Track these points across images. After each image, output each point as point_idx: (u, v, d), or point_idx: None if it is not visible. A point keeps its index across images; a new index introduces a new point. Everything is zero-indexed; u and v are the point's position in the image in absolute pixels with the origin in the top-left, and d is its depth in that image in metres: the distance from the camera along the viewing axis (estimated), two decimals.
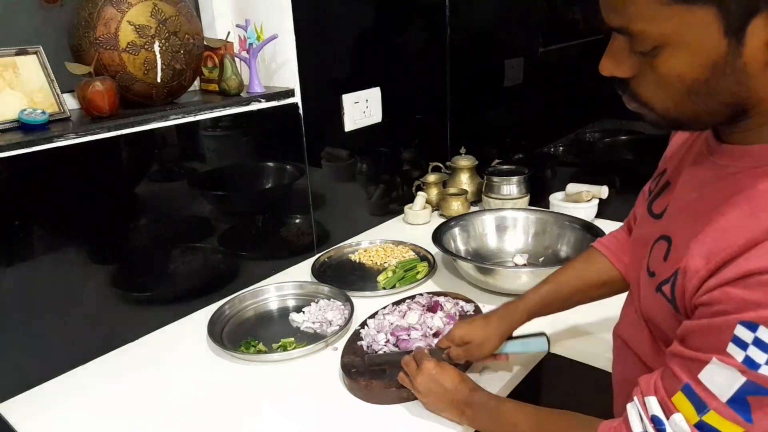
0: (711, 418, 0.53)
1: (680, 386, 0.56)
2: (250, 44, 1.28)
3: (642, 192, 0.85)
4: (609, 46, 0.57)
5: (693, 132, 0.69)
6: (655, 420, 0.58)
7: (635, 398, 0.61)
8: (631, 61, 0.56)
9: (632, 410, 0.61)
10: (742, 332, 0.50)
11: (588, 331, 1.11)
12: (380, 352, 1.04)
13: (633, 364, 0.73)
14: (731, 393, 0.52)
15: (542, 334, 0.98)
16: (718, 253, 0.53)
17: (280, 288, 1.31)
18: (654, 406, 0.58)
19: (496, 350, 0.96)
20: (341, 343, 1.09)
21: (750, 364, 0.50)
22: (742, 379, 0.51)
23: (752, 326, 0.49)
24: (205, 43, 1.20)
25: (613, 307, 1.14)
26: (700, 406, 0.54)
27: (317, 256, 1.48)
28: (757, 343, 0.49)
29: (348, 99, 1.49)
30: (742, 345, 0.50)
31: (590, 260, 0.94)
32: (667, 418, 0.57)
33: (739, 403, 0.51)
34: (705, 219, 0.57)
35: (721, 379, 0.52)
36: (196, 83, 1.36)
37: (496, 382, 0.97)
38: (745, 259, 0.51)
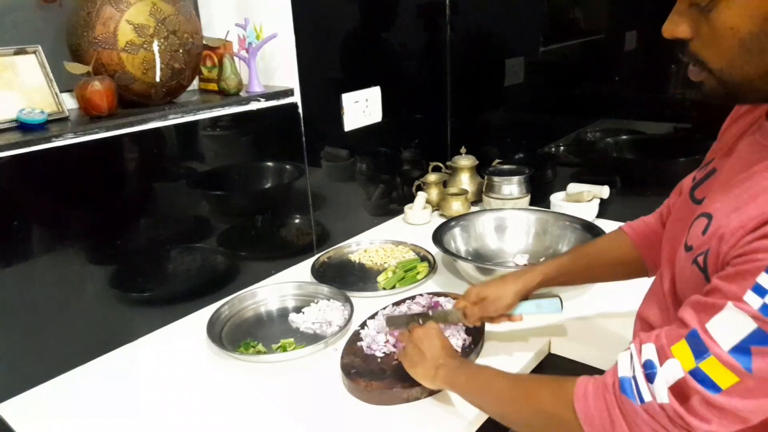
0: (708, 364, 0.54)
1: (686, 333, 0.56)
2: (250, 43, 1.27)
3: (679, 185, 0.86)
4: (672, 11, 0.60)
5: (748, 105, 0.70)
6: (646, 364, 0.59)
7: (631, 346, 0.62)
8: (690, 20, 0.58)
9: (624, 355, 0.62)
10: (764, 279, 0.51)
11: (588, 331, 1.10)
12: (381, 351, 1.04)
13: None
14: (736, 341, 0.53)
15: (556, 296, 0.99)
16: (756, 217, 0.54)
17: (279, 288, 1.31)
18: (650, 351, 0.59)
19: (511, 309, 0.97)
20: (341, 344, 1.09)
21: (766, 311, 0.51)
22: (752, 327, 0.52)
23: None
24: (204, 42, 1.19)
25: (613, 306, 1.14)
26: (700, 352, 0.55)
27: (317, 256, 1.48)
28: None
29: (348, 98, 1.49)
30: (762, 292, 0.51)
31: (615, 239, 0.96)
32: (661, 364, 0.57)
33: (742, 351, 0.52)
34: (749, 196, 0.58)
35: (729, 326, 0.53)
36: (195, 83, 1.36)
37: None
38: None
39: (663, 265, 0.75)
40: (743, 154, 0.65)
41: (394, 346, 1.05)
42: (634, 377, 0.59)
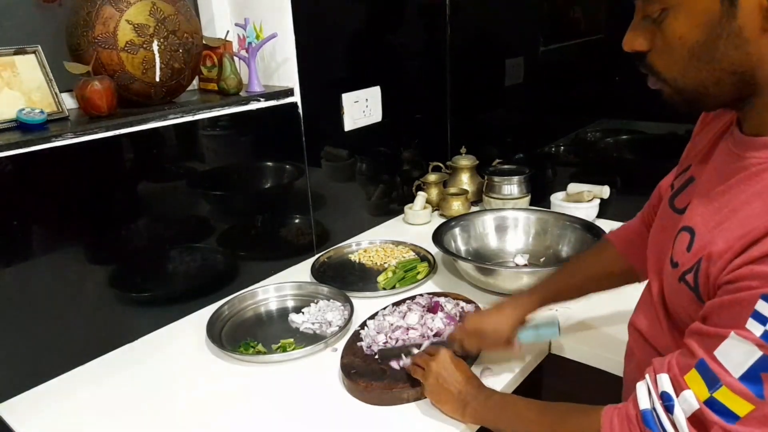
0: (722, 394, 0.54)
1: (695, 363, 0.56)
2: (249, 43, 1.27)
3: (658, 186, 0.86)
4: (630, 25, 0.61)
5: (708, 111, 0.71)
6: (664, 396, 0.59)
7: (647, 376, 0.62)
8: (646, 32, 0.60)
9: (641, 387, 0.62)
10: (762, 307, 0.51)
11: (588, 331, 1.10)
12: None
13: (649, 357, 0.73)
14: (745, 368, 0.52)
15: (553, 322, 0.99)
16: (744, 236, 0.54)
17: (279, 288, 1.31)
18: (665, 383, 0.59)
19: (509, 339, 0.97)
20: (341, 344, 1.09)
21: None
22: (758, 354, 0.51)
23: None
24: (204, 42, 1.19)
25: (613, 307, 1.14)
26: (712, 382, 0.55)
27: (317, 256, 1.48)
28: None
29: (348, 98, 1.49)
30: (762, 319, 0.51)
31: (602, 252, 0.97)
32: (677, 395, 0.57)
33: (752, 379, 0.52)
34: (729, 210, 0.58)
35: (736, 355, 0.53)
36: (195, 82, 1.36)
37: (497, 383, 0.97)
38: None
39: (650, 276, 0.75)
40: (719, 163, 0.66)
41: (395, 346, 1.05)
42: (654, 409, 0.60)
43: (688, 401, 0.56)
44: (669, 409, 0.58)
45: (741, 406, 0.53)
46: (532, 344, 1.03)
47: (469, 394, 0.87)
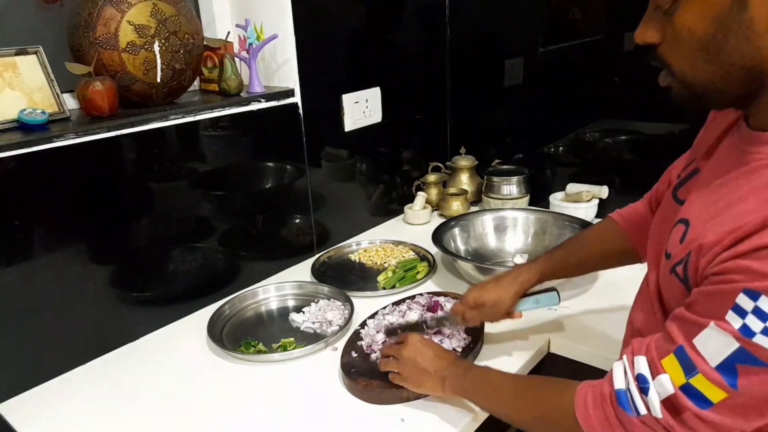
0: (697, 381, 0.55)
1: (673, 348, 0.57)
2: (250, 44, 1.28)
3: (668, 170, 0.86)
4: (643, 18, 0.61)
5: (716, 109, 0.71)
6: (639, 378, 0.60)
7: (624, 356, 0.63)
8: (658, 24, 0.59)
9: (618, 367, 0.63)
10: (743, 300, 0.52)
11: (588, 331, 1.11)
12: (379, 352, 1.04)
13: None
14: (721, 359, 0.54)
15: (553, 289, 1.01)
16: (734, 231, 0.54)
17: (279, 288, 1.31)
18: (642, 365, 0.60)
19: (510, 310, 0.99)
20: (341, 344, 1.09)
21: (746, 332, 0.52)
22: (735, 346, 0.53)
23: (754, 295, 0.51)
24: (204, 42, 1.19)
25: (613, 306, 1.15)
26: (689, 369, 0.56)
27: (317, 256, 1.48)
28: (757, 312, 0.51)
29: (348, 99, 1.49)
30: (742, 313, 0.52)
31: (605, 230, 0.97)
32: (653, 378, 0.58)
33: (728, 369, 0.53)
34: (725, 204, 0.59)
35: (714, 345, 0.54)
36: (196, 83, 1.36)
37: None
38: (759, 236, 0.52)
39: (649, 266, 0.76)
40: (722, 157, 0.66)
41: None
42: (629, 389, 0.61)
43: (664, 385, 0.57)
44: (644, 391, 0.59)
45: (715, 394, 0.54)
46: (534, 311, 1.04)
47: (445, 368, 0.88)
